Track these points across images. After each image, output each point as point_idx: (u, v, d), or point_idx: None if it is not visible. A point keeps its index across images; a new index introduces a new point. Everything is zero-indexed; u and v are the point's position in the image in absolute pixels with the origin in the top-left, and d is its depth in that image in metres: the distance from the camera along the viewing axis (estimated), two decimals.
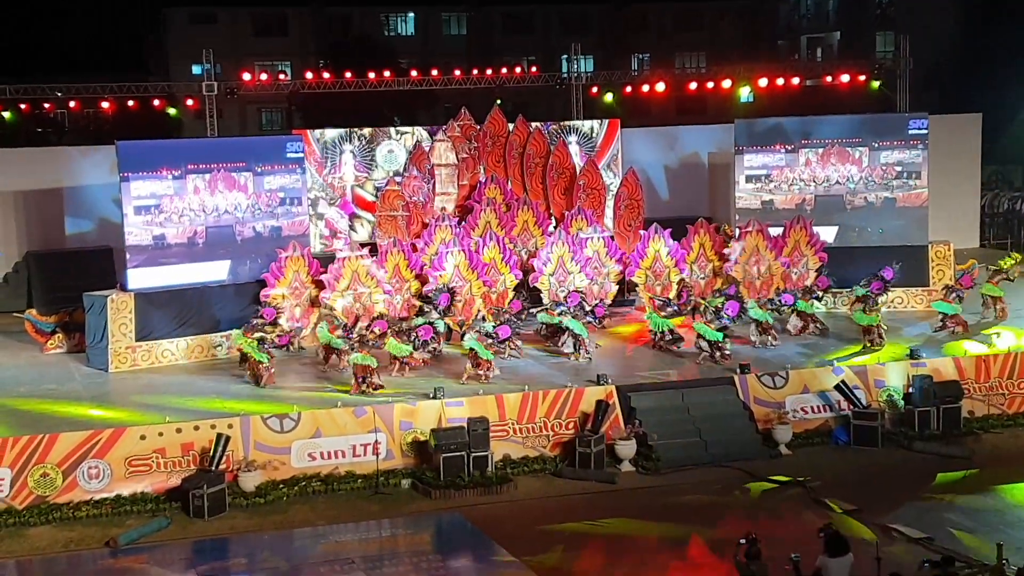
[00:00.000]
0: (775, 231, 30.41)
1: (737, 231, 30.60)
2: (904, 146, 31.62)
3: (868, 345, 26.14)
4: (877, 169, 31.64)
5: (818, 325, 27.72)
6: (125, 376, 25.53)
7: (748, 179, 31.92)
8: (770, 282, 29.87)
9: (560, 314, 26.71)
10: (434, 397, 22.33)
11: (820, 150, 31.92)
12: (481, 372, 23.89)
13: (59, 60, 60.04)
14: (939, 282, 29.97)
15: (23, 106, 40.65)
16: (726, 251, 30.06)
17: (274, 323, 25.91)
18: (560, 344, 26.24)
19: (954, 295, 27.75)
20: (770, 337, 26.70)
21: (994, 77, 51.01)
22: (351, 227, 32.69)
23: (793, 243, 30.32)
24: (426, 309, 27.02)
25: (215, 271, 27.60)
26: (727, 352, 25.11)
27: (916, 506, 19.93)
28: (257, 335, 24.81)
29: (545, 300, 28.60)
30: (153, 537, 19.26)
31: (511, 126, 32.84)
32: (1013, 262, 29.68)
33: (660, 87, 41.34)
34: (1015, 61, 50.21)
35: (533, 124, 33.46)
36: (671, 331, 26.50)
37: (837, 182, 31.89)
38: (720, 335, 25.22)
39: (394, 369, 24.37)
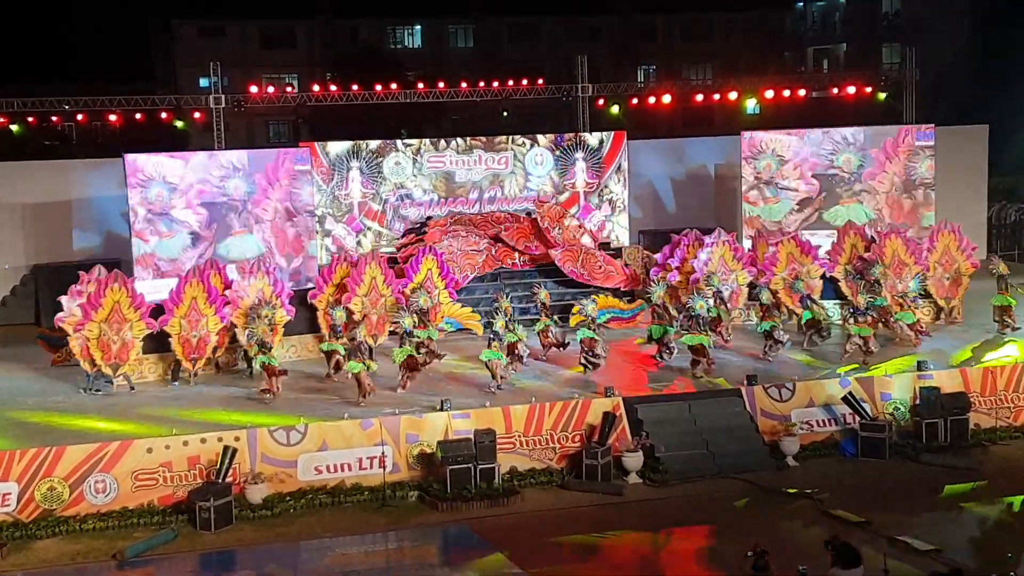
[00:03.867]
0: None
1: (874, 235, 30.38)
2: (910, 158, 31.73)
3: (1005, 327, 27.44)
4: (883, 179, 31.73)
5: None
6: (129, 388, 25.53)
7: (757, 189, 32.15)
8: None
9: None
10: (440, 409, 22.32)
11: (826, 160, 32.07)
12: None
13: (67, 73, 60.21)
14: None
15: (31, 119, 40.79)
16: (866, 255, 29.60)
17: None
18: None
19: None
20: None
21: (1003, 87, 50.93)
22: (358, 242, 32.72)
23: (943, 248, 29.97)
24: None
25: None
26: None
27: (924, 518, 19.89)
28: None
29: (763, 297, 27.46)
30: (160, 550, 19.26)
31: None
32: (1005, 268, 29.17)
33: (666, 99, 41.36)
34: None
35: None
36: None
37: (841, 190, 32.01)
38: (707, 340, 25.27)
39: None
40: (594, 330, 25.55)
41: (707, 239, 30.01)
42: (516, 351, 24.98)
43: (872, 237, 30.20)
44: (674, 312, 27.32)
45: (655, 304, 27.18)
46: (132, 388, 25.32)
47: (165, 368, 26.22)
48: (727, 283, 29.08)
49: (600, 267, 31.06)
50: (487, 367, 24.21)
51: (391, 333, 27.19)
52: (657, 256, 31.02)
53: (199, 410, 23.35)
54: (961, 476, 21.97)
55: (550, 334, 26.79)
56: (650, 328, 26.60)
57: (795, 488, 21.21)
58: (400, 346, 24.69)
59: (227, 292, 26.43)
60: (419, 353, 24.81)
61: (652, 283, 28.56)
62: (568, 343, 26.41)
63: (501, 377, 24.14)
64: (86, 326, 24.86)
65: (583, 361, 25.32)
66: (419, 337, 25.34)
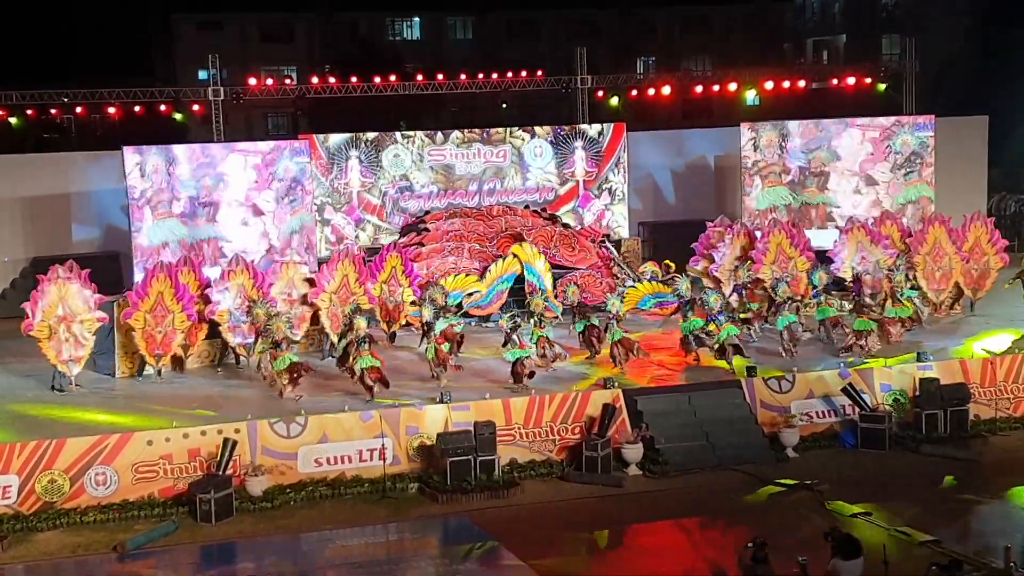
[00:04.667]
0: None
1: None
2: (909, 148, 31.78)
3: None
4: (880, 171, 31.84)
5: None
6: (132, 381, 25.57)
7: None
8: (949, 275, 29.41)
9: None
10: (440, 401, 22.32)
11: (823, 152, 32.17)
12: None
13: (66, 66, 60.12)
14: None
15: (29, 112, 40.77)
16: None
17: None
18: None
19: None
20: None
21: (1002, 85, 50.89)
22: (356, 235, 32.73)
23: (974, 239, 29.74)
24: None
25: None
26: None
27: (924, 509, 19.88)
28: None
29: (779, 290, 27.09)
30: (160, 542, 19.28)
31: None
32: None
33: (666, 90, 41.37)
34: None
35: None
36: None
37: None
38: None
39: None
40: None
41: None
42: (549, 343, 24.78)
43: (914, 225, 30.03)
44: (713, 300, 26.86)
45: (683, 298, 26.37)
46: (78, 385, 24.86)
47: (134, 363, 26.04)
48: (788, 272, 28.34)
49: (601, 283, 30.70)
50: (513, 369, 23.75)
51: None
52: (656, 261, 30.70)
53: (199, 403, 23.33)
54: (961, 467, 21.99)
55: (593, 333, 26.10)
56: (682, 326, 25.92)
57: (795, 479, 21.19)
58: (429, 343, 24.29)
59: (208, 291, 25.90)
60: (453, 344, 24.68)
61: (677, 277, 28.28)
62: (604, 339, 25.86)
63: (530, 373, 23.81)
64: (35, 326, 24.27)
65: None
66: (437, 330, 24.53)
